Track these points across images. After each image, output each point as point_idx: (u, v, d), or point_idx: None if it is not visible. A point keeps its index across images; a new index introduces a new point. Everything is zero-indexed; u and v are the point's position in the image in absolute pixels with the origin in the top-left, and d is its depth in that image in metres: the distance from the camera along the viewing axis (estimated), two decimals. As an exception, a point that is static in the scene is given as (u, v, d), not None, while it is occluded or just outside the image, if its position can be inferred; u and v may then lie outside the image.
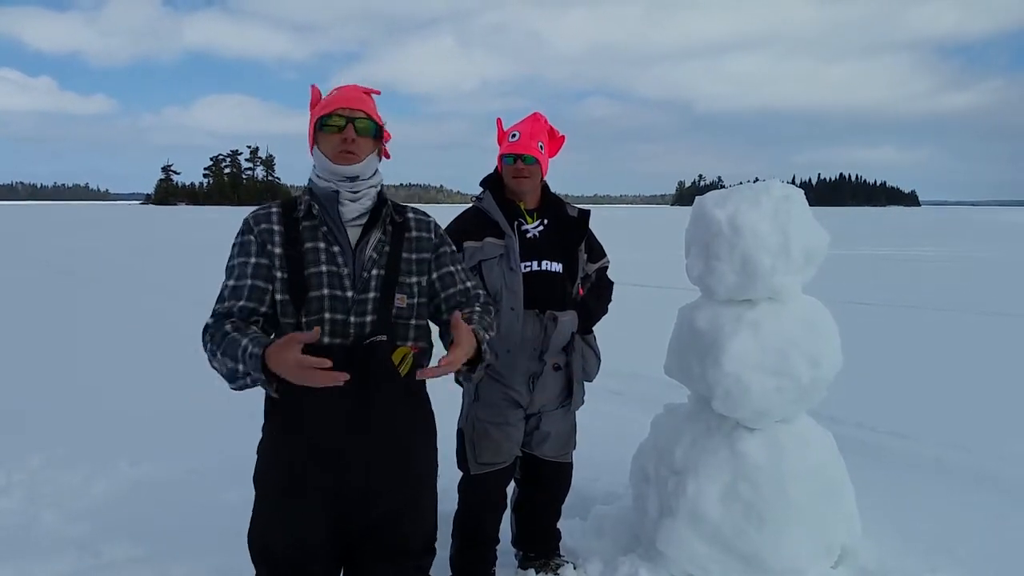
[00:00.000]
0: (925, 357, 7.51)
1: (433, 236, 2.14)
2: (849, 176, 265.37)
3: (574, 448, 3.09)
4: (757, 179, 3.19)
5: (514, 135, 2.88)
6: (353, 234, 2.01)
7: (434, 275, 2.12)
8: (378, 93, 2.11)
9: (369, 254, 2.00)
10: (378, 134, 2.06)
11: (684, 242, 2.91)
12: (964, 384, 6.34)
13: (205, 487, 3.87)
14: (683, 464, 2.87)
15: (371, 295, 1.98)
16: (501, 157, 2.90)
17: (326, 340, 1.94)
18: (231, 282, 1.98)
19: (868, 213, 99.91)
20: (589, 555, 3.11)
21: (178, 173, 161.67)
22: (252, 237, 2.00)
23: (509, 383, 2.85)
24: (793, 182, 2.86)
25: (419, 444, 2.11)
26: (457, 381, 2.09)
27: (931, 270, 17.30)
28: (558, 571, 3.05)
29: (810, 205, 2.79)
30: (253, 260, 1.98)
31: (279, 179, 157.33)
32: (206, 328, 1.93)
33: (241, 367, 1.80)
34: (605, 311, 3.07)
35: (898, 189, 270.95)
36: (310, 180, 2.06)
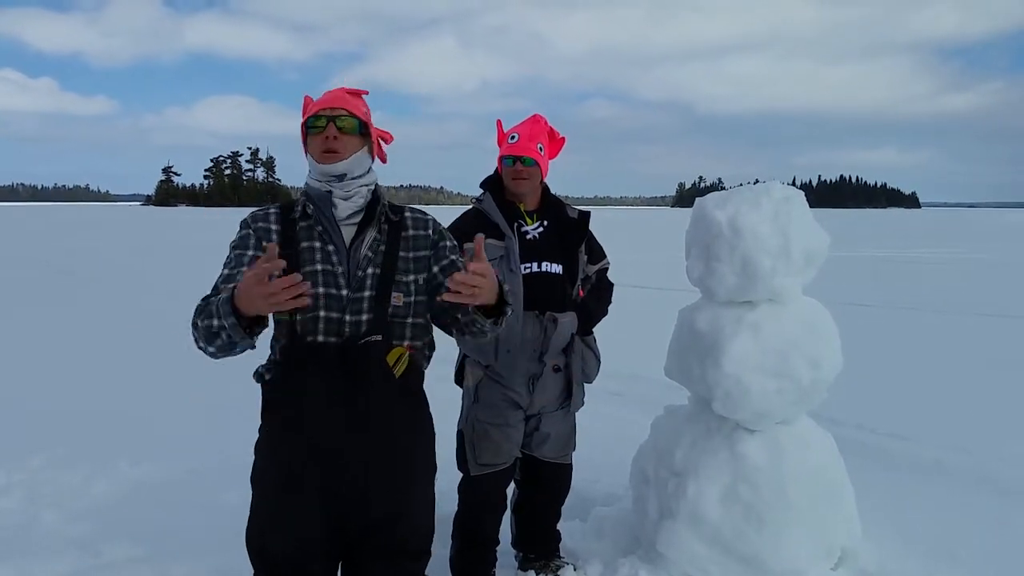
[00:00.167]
0: (925, 359, 7.51)
1: (431, 233, 2.13)
2: (849, 178, 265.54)
3: (574, 449, 3.09)
4: (757, 181, 3.19)
5: (513, 137, 2.88)
6: (348, 233, 2.02)
7: (435, 268, 2.11)
8: (366, 93, 2.13)
9: (364, 252, 2.01)
10: (364, 131, 2.06)
11: (684, 244, 2.91)
12: (964, 386, 6.33)
13: (205, 487, 3.87)
14: (683, 466, 2.87)
15: (366, 294, 1.98)
16: (501, 159, 2.91)
17: (321, 338, 1.95)
18: (225, 271, 1.99)
19: (868, 215, 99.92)
20: (589, 556, 3.11)
21: (178, 174, 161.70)
22: (250, 231, 2.03)
23: (509, 384, 2.85)
24: (793, 184, 2.87)
25: (417, 444, 2.11)
26: (472, 331, 1.92)
27: (931, 272, 17.30)
28: (558, 572, 3.05)
29: (810, 207, 2.79)
30: (250, 253, 2.00)
31: (279, 180, 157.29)
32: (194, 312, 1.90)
33: (216, 322, 1.75)
34: (605, 312, 3.07)
35: (899, 191, 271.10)
36: (306, 182, 2.08)
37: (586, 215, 2.99)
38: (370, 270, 2.00)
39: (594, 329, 3.04)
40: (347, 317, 1.96)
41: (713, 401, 2.76)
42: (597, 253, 3.07)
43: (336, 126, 2.00)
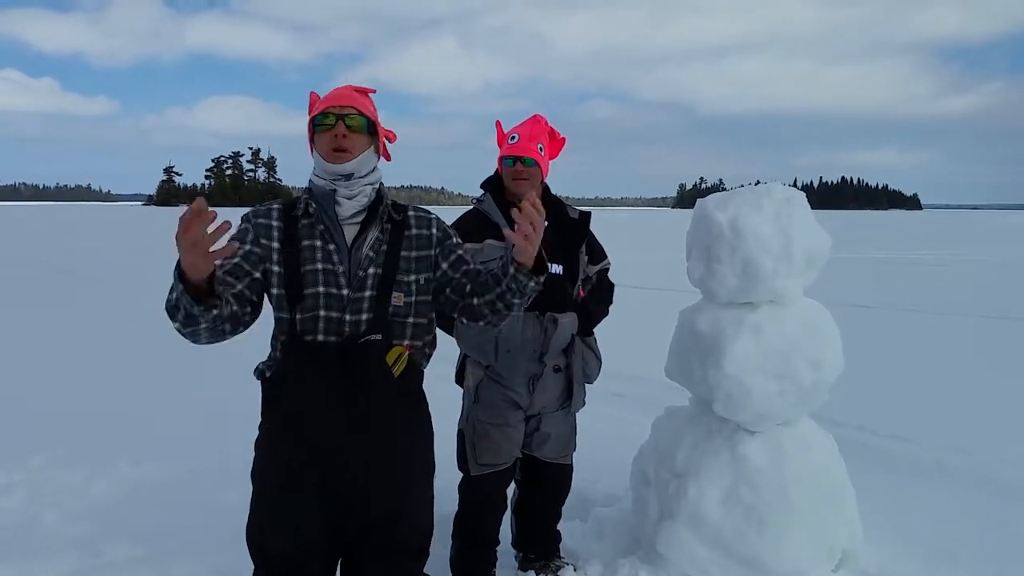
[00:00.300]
0: (927, 360, 7.50)
1: (435, 231, 2.12)
2: (851, 179, 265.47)
3: (574, 450, 3.08)
4: (759, 182, 3.19)
5: (513, 137, 2.88)
6: (350, 232, 2.02)
7: (444, 264, 2.10)
8: (373, 91, 2.11)
9: (366, 252, 2.00)
10: (372, 130, 2.05)
11: (685, 245, 2.91)
12: (966, 387, 6.33)
13: (205, 487, 3.87)
14: (684, 467, 2.87)
15: (367, 293, 1.97)
16: (501, 159, 2.90)
17: (321, 338, 1.95)
18: (217, 262, 1.99)
19: (870, 216, 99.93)
20: (589, 557, 3.11)
21: (180, 174, 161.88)
22: (249, 227, 2.02)
23: (509, 384, 2.85)
24: (795, 185, 2.86)
25: (416, 444, 2.11)
26: (496, 308, 1.91)
27: (933, 273, 17.29)
28: (558, 573, 3.04)
29: (811, 208, 2.79)
30: (247, 247, 1.99)
31: (281, 180, 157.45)
32: None
33: (173, 294, 1.73)
34: (606, 313, 3.07)
35: (900, 192, 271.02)
36: (310, 180, 2.07)
37: (587, 215, 2.99)
38: (371, 270, 1.99)
39: (595, 330, 3.04)
40: (347, 316, 1.96)
41: (714, 402, 2.75)
42: (598, 253, 3.07)
43: (345, 124, 1.99)
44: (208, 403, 5.34)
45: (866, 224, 59.94)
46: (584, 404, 3.05)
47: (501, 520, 3.04)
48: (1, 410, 5.35)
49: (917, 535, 3.35)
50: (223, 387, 5.30)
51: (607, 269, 3.12)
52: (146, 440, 4.63)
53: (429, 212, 2.17)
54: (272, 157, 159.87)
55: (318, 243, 1.99)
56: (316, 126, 2.02)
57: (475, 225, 2.84)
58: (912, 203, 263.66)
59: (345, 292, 1.96)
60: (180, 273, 1.67)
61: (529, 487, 3.11)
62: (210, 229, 1.58)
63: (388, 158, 2.17)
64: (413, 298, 2.04)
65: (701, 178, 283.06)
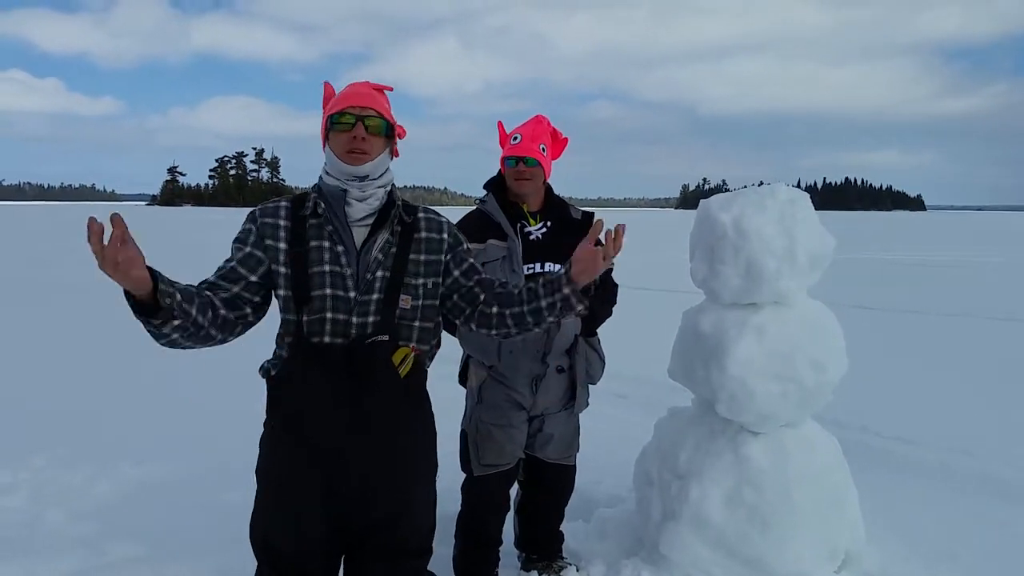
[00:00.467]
0: (930, 362, 7.49)
1: (446, 236, 2.11)
2: (854, 180, 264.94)
3: (577, 451, 3.08)
4: (762, 183, 3.18)
5: (516, 138, 2.88)
6: (359, 234, 1.99)
7: (456, 272, 2.10)
8: (390, 89, 2.09)
9: (375, 255, 1.98)
10: (389, 133, 2.03)
11: (689, 245, 2.91)
12: (969, 389, 6.31)
13: (207, 488, 3.87)
14: (687, 468, 2.86)
15: (375, 296, 1.96)
16: (503, 160, 2.90)
17: (327, 339, 1.94)
18: (223, 262, 2.00)
19: (873, 217, 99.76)
20: (592, 557, 3.11)
21: (184, 174, 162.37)
22: (254, 228, 2.00)
23: (512, 385, 2.85)
24: (798, 186, 2.85)
25: (419, 444, 2.11)
26: (551, 309, 1.96)
27: (937, 275, 17.24)
28: (560, 573, 3.04)
29: (815, 209, 2.78)
30: (247, 249, 1.98)
31: (284, 181, 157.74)
32: None
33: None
34: (609, 314, 3.06)
35: (904, 193, 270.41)
36: (320, 177, 2.04)
37: (590, 216, 2.98)
38: (379, 273, 1.98)
39: (598, 330, 3.04)
40: (354, 319, 1.95)
41: (717, 403, 2.75)
42: (601, 254, 3.06)
43: (365, 126, 1.95)
44: (209, 403, 5.34)
45: (869, 225, 59.84)
46: (587, 405, 3.05)
47: (504, 520, 3.04)
48: (3, 410, 5.36)
49: (919, 536, 3.34)
50: (225, 388, 5.30)
51: (610, 269, 3.12)
52: (148, 440, 4.63)
53: (440, 215, 2.15)
54: (276, 157, 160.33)
55: (326, 244, 1.97)
56: (333, 124, 1.98)
57: (478, 225, 2.84)
58: (916, 204, 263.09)
59: (352, 295, 1.95)
60: (124, 292, 1.69)
61: (532, 488, 3.11)
62: (106, 239, 1.55)
63: (396, 154, 2.14)
64: (420, 302, 2.03)
65: (704, 179, 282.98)
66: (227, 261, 2.00)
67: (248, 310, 1.99)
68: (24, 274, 15.33)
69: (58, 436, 4.73)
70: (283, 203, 2.04)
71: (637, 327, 6.39)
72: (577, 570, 3.07)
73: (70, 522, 3.55)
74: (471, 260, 2.14)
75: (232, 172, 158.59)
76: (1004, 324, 9.79)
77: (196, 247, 23.83)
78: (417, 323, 2.04)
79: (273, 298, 2.04)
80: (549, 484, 3.07)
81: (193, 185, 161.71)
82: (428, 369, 2.14)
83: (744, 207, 2.70)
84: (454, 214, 2.66)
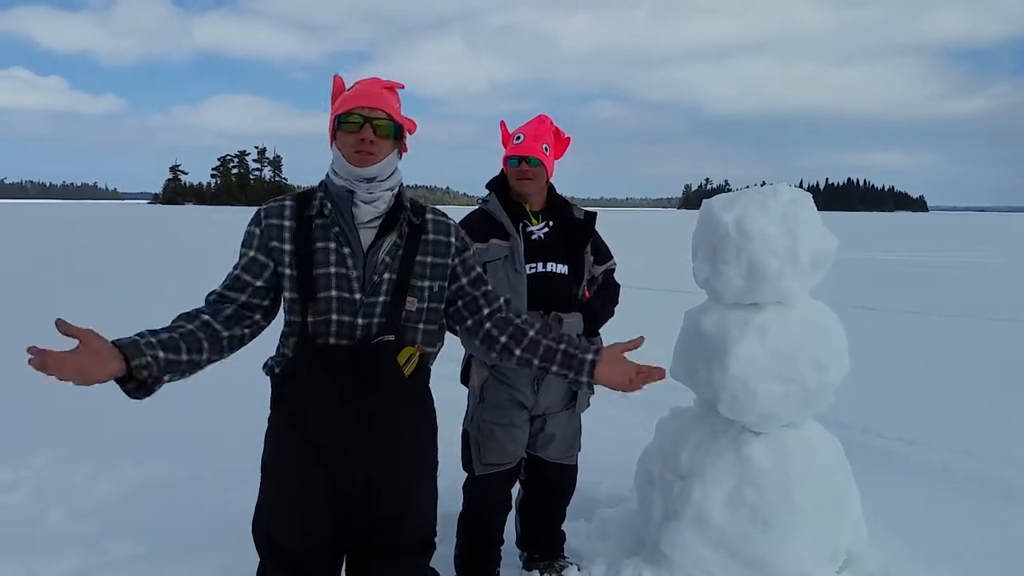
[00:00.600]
0: (932, 362, 7.47)
1: (454, 240, 2.09)
2: (857, 181, 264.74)
3: (579, 450, 3.08)
4: (764, 183, 3.18)
5: (519, 137, 2.88)
6: (366, 236, 1.97)
7: (463, 279, 2.10)
8: (401, 87, 2.05)
9: (382, 258, 1.96)
10: (398, 134, 2.00)
11: (691, 245, 2.91)
12: (971, 390, 6.31)
13: (208, 487, 3.87)
14: (688, 468, 2.86)
15: (381, 299, 1.95)
16: (506, 159, 2.90)
17: (332, 341, 1.93)
18: (231, 269, 2.01)
19: (876, 218, 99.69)
20: (593, 557, 3.11)
21: (186, 173, 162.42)
22: (258, 231, 1.98)
23: (514, 384, 2.85)
24: (800, 186, 2.85)
25: (422, 444, 2.11)
26: (558, 374, 2.11)
27: (939, 276, 17.23)
28: (562, 572, 3.04)
29: (817, 209, 2.78)
30: (251, 254, 1.98)
31: (286, 180, 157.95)
32: None
33: None
34: (611, 313, 3.06)
35: (906, 194, 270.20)
36: (327, 175, 2.02)
37: (592, 215, 2.98)
38: (386, 275, 1.96)
39: (600, 330, 3.04)
40: (359, 320, 1.94)
41: (719, 403, 2.75)
42: (603, 254, 3.06)
43: (373, 128, 1.92)
44: (210, 403, 5.34)
45: (872, 226, 59.81)
46: (589, 405, 3.05)
47: (505, 520, 3.04)
48: (4, 408, 5.37)
49: (921, 537, 3.34)
50: (226, 388, 5.30)
51: (613, 269, 3.12)
52: (149, 440, 4.63)
53: (448, 217, 2.13)
54: (278, 156, 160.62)
55: (332, 246, 1.94)
56: (340, 124, 1.95)
57: (480, 225, 2.84)
58: (918, 205, 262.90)
59: (358, 296, 1.93)
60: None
61: (533, 487, 3.11)
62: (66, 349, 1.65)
63: (405, 149, 2.11)
64: (425, 304, 2.02)
65: (706, 179, 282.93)
66: (234, 268, 2.00)
67: (258, 316, 1.99)
68: (25, 274, 15.35)
69: (59, 435, 4.73)
70: (288, 202, 2.01)
71: (639, 327, 6.35)
72: (578, 569, 3.07)
73: (71, 520, 3.56)
74: (479, 269, 2.14)
75: (234, 171, 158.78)
76: (1006, 325, 9.78)
77: (198, 246, 23.88)
78: (422, 325, 2.03)
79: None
80: (550, 484, 3.07)
81: (195, 184, 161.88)
82: (431, 367, 2.13)
83: (747, 207, 2.70)
84: (456, 213, 2.65)
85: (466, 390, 2.99)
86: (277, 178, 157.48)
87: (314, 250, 1.94)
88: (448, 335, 2.24)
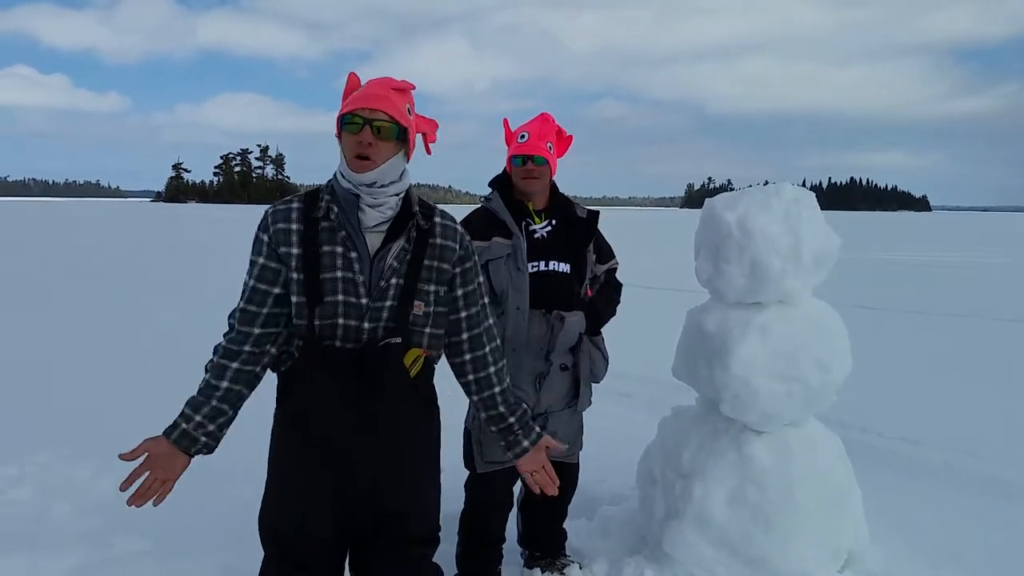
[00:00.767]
0: (934, 362, 7.47)
1: (459, 247, 2.07)
2: (860, 180, 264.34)
3: (581, 449, 3.08)
4: (767, 182, 3.18)
5: (523, 136, 2.88)
6: (373, 240, 1.95)
7: (459, 291, 2.09)
8: (413, 87, 2.01)
9: (390, 263, 1.94)
10: (403, 136, 1.96)
11: (693, 244, 2.91)
12: (974, 390, 6.31)
13: (212, 484, 3.86)
14: (690, 467, 2.87)
15: (387, 303, 1.94)
16: (510, 158, 2.91)
17: (338, 344, 1.93)
18: (245, 278, 2.00)
19: (879, 217, 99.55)
20: (595, 555, 3.12)
21: (188, 171, 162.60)
22: (266, 237, 1.96)
23: (515, 383, 2.84)
24: (803, 185, 2.85)
25: (425, 442, 2.11)
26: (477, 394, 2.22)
27: (942, 275, 17.21)
28: (564, 571, 3.05)
29: (820, 209, 2.78)
30: (261, 261, 1.97)
31: (289, 178, 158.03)
32: (218, 346, 2.03)
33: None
34: (613, 312, 3.07)
35: (909, 194, 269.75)
36: (335, 175, 1.99)
37: (595, 214, 2.99)
38: (394, 280, 1.95)
39: (602, 329, 3.04)
40: (365, 324, 1.93)
41: (721, 403, 2.75)
42: (606, 252, 3.07)
43: (372, 130, 1.89)
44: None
45: (874, 225, 59.73)
46: (591, 403, 3.05)
47: (507, 518, 3.05)
48: (9, 406, 5.38)
49: (923, 536, 3.34)
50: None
51: (615, 268, 3.12)
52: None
53: (455, 222, 2.11)
54: (280, 154, 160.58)
55: (339, 250, 1.93)
56: (344, 124, 1.93)
57: (482, 223, 2.85)
58: (921, 204, 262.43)
59: (364, 301, 1.92)
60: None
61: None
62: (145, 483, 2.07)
63: (428, 151, 2.08)
64: (432, 308, 2.02)
65: (709, 178, 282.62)
66: (248, 277, 1.98)
67: (282, 327, 1.99)
68: (26, 273, 15.38)
69: (63, 433, 4.75)
70: (295, 204, 1.99)
71: (641, 326, 6.40)
72: (580, 568, 3.07)
73: (75, 516, 3.57)
74: (478, 282, 2.13)
75: (237, 169, 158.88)
76: (1009, 325, 9.78)
77: (200, 244, 23.90)
78: (428, 329, 2.02)
79: None
80: (552, 482, 3.07)
81: (198, 182, 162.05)
82: (436, 366, 2.14)
83: (749, 206, 2.70)
84: (458, 213, 2.66)
85: (468, 388, 2.99)
86: (280, 176, 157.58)
87: (321, 254, 1.92)
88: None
